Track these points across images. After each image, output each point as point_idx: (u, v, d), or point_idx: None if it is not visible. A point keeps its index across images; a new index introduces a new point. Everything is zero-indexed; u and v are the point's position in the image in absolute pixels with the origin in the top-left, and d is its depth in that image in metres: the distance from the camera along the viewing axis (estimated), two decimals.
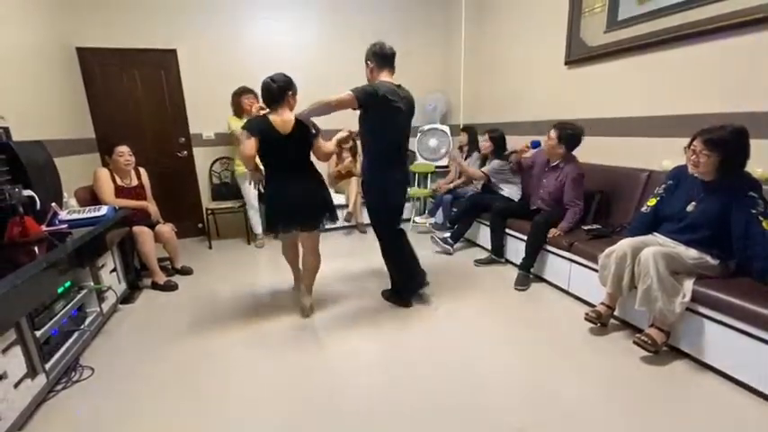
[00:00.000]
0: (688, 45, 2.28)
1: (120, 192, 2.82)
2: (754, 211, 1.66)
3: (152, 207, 2.98)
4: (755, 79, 2.00)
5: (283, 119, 2.09)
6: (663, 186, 2.03)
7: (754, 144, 1.72)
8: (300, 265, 2.48)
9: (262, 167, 2.24)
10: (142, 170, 3.03)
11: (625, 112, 2.70)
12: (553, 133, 2.63)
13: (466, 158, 3.86)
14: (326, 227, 2.40)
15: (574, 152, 2.67)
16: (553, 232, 2.61)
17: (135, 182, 2.93)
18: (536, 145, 3.00)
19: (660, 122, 2.48)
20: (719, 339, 1.68)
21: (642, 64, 2.56)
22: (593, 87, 2.94)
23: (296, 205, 2.18)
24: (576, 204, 2.59)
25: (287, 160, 2.16)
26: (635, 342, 1.82)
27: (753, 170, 1.80)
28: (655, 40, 2.41)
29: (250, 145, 2.03)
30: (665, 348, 1.86)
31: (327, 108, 2.05)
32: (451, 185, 3.91)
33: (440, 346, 2.04)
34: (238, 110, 3.55)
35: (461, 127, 4.27)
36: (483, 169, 3.36)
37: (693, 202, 1.86)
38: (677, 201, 1.93)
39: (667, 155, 2.36)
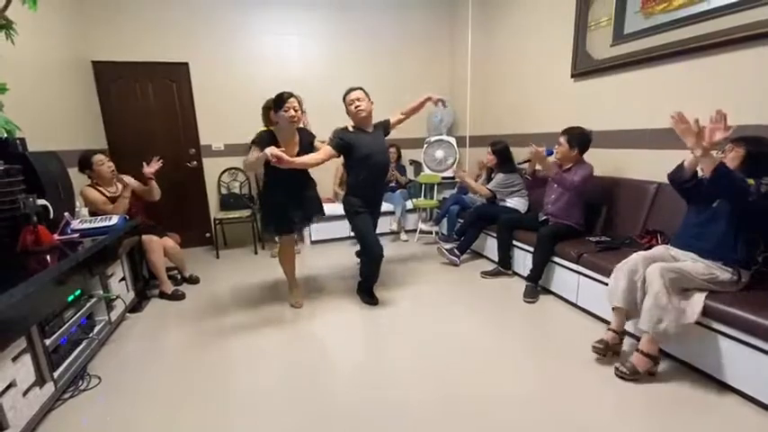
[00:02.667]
0: (694, 58, 2.28)
1: (113, 202, 2.71)
2: (758, 176, 1.68)
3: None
4: (765, 91, 1.99)
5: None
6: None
7: None
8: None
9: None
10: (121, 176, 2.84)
11: (632, 125, 2.70)
12: (563, 139, 2.65)
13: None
14: None
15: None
16: (535, 150, 2.60)
17: (121, 188, 2.79)
18: (549, 153, 2.96)
19: (667, 135, 2.45)
20: (736, 357, 1.62)
21: (648, 77, 2.56)
22: (600, 100, 2.94)
23: (305, 203, 2.58)
24: (573, 183, 2.55)
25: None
26: (616, 374, 1.78)
27: None
28: (661, 53, 2.42)
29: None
30: (676, 363, 1.82)
31: None
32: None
33: (443, 358, 2.01)
34: (270, 123, 3.56)
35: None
36: (488, 186, 3.37)
37: (719, 200, 1.83)
38: (704, 201, 1.89)
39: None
